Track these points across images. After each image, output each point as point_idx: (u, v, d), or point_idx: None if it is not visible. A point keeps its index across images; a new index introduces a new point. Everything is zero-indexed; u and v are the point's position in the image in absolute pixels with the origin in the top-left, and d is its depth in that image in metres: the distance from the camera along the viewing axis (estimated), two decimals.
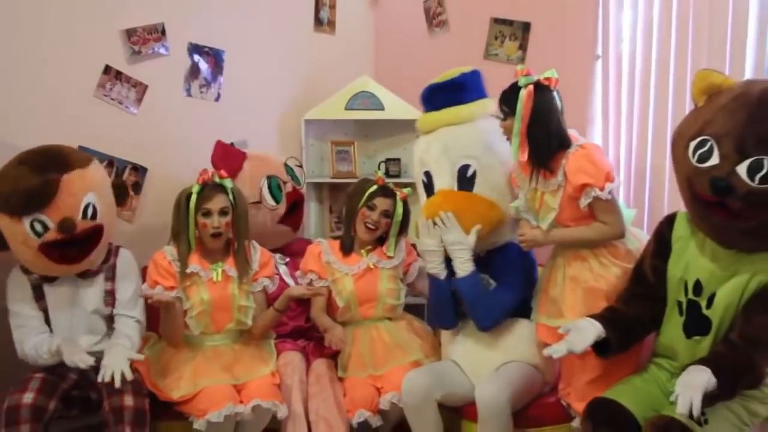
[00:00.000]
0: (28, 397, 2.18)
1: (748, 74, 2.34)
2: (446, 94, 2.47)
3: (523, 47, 3.05)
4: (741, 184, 1.80)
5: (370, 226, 2.64)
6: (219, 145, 2.90)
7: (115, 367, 2.21)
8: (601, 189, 2.13)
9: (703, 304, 1.96)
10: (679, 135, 1.99)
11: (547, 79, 2.20)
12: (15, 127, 2.60)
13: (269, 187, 2.86)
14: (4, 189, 2.28)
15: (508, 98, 2.23)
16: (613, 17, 2.76)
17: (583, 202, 2.17)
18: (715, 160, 1.85)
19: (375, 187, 2.65)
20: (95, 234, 2.37)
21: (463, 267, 2.39)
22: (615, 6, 2.75)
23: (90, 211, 2.35)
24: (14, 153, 2.43)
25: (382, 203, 2.64)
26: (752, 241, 1.89)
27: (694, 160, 1.89)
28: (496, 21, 3.13)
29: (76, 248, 2.34)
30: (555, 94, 2.21)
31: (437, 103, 2.50)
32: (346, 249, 2.69)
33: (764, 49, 2.32)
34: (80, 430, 2.47)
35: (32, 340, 2.33)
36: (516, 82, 2.22)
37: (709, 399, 1.81)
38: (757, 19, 2.31)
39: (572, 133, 2.28)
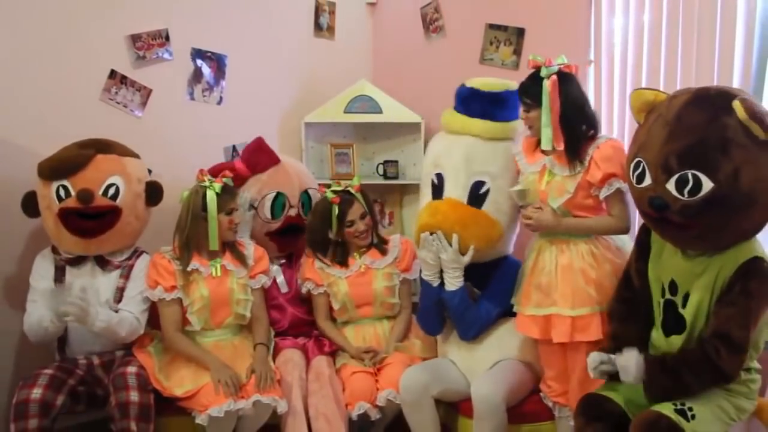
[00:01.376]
0: (36, 393, 2.23)
1: (736, 76, 2.36)
2: (484, 104, 2.45)
3: (517, 52, 3.07)
4: (674, 200, 1.86)
5: (362, 235, 2.69)
6: (259, 139, 2.92)
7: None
8: (625, 182, 2.15)
9: (680, 302, 1.98)
10: (626, 157, 2.08)
11: (568, 66, 2.21)
12: (23, 130, 2.65)
13: (273, 202, 2.82)
14: (49, 158, 2.46)
15: (530, 89, 2.23)
16: (605, 22, 2.78)
17: (605, 192, 2.19)
18: (648, 180, 1.92)
19: (336, 208, 2.65)
20: (111, 214, 2.47)
21: (453, 282, 2.41)
22: (607, 11, 2.77)
23: (112, 191, 2.48)
24: (22, 154, 2.50)
25: (354, 213, 2.65)
26: (709, 243, 1.92)
27: (634, 182, 1.97)
28: (491, 27, 3.15)
29: (91, 223, 2.44)
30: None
31: (472, 110, 2.47)
32: (340, 261, 2.72)
33: (751, 52, 2.35)
34: (87, 424, 2.51)
35: (36, 313, 2.38)
36: (536, 73, 2.22)
37: (679, 394, 1.88)
38: (745, 22, 2.35)
39: None
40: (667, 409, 1.86)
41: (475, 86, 2.49)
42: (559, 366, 2.35)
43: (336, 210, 2.66)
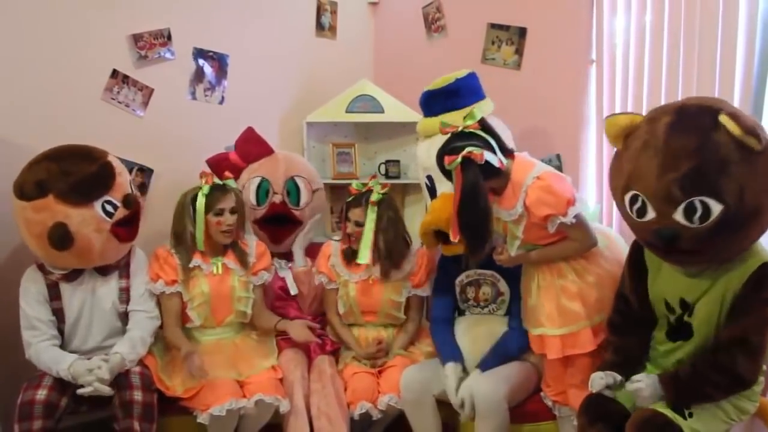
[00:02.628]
0: (41, 394, 2.22)
1: (738, 78, 2.34)
2: (442, 100, 2.50)
3: (519, 52, 3.08)
4: (684, 230, 1.81)
5: (351, 237, 2.67)
6: (249, 129, 2.93)
7: (91, 381, 2.21)
8: (564, 215, 2.12)
9: (686, 314, 1.97)
10: (612, 186, 2.02)
11: (473, 152, 2.08)
12: (25, 129, 2.65)
13: (258, 187, 2.85)
14: (63, 183, 2.27)
15: (441, 165, 2.17)
16: (607, 22, 2.78)
17: (551, 228, 2.16)
18: (651, 214, 1.86)
19: (350, 198, 2.66)
20: (139, 209, 2.48)
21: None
22: (608, 11, 2.77)
23: (133, 188, 2.49)
24: (24, 153, 2.47)
25: (353, 214, 2.63)
26: (714, 263, 1.91)
27: (634, 215, 1.91)
28: (493, 26, 3.16)
29: (132, 225, 2.42)
30: (488, 158, 2.10)
31: (434, 109, 2.53)
32: (349, 257, 2.70)
33: (753, 51, 2.35)
34: (91, 424, 2.51)
35: (48, 353, 2.33)
36: (452, 139, 2.16)
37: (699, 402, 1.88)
38: (747, 22, 2.34)
39: (525, 157, 2.26)
40: (663, 406, 1.87)
41: (429, 88, 2.57)
42: (558, 369, 2.36)
43: (348, 199, 2.68)
